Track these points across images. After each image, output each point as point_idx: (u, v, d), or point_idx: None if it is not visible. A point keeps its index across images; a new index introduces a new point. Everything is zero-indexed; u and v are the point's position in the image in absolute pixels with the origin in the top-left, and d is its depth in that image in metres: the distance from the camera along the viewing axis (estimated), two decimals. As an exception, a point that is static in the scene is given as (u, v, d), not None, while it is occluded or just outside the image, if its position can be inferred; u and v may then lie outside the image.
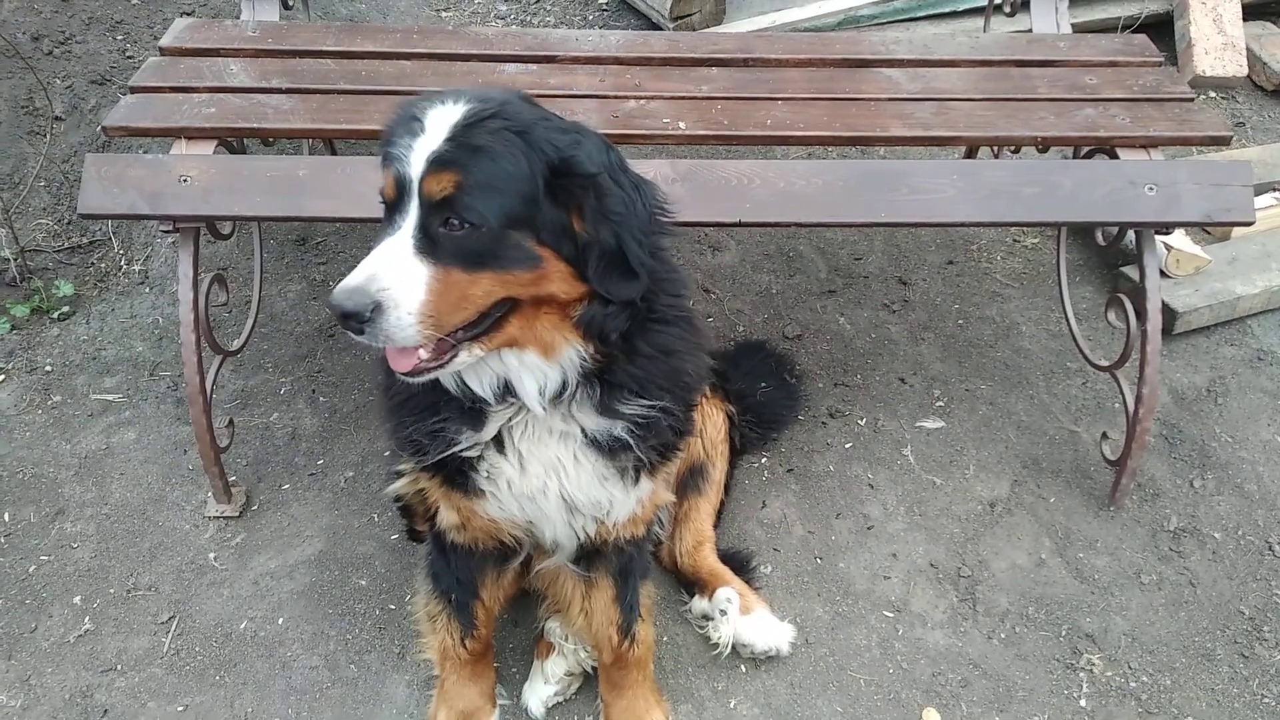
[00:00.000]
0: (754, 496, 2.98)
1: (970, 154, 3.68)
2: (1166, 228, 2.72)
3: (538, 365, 1.76)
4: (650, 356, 1.83)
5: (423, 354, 1.67)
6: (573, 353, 1.75)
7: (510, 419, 1.87)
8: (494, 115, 1.64)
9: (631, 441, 1.88)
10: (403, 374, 1.70)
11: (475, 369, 1.78)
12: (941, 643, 2.62)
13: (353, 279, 1.59)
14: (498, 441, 1.90)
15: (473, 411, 1.84)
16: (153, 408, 3.22)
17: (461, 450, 1.88)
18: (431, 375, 1.71)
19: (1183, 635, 2.65)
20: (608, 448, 1.90)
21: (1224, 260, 3.57)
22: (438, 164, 1.60)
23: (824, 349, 3.45)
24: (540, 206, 1.64)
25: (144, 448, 3.10)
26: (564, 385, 1.79)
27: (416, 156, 1.61)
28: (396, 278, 1.59)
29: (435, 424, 1.86)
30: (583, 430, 1.88)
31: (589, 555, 2.22)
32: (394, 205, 1.65)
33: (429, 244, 1.62)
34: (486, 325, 1.69)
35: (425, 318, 1.60)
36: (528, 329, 1.72)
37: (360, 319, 1.57)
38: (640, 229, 1.70)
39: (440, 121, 1.63)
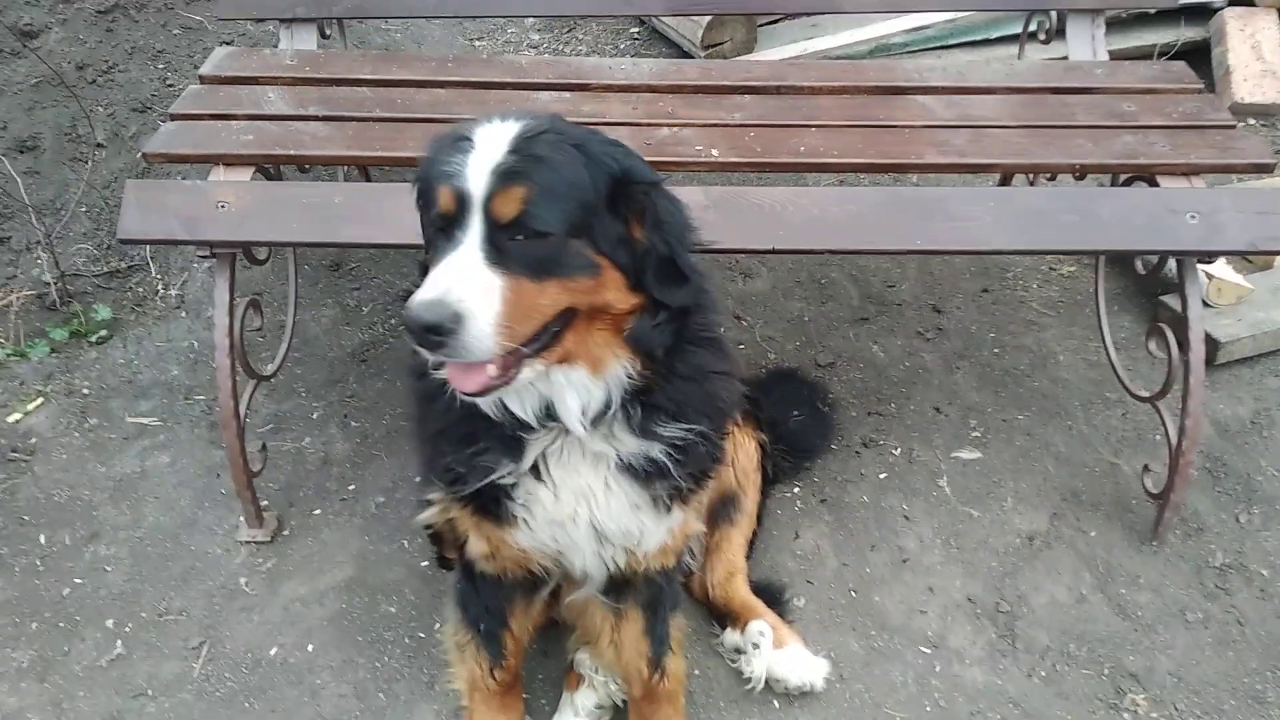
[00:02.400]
0: (786, 527, 2.94)
1: (1005, 181, 3.65)
2: (1209, 256, 2.67)
3: (585, 383, 1.75)
4: (687, 378, 1.84)
5: (491, 370, 1.65)
6: (620, 370, 1.75)
7: (547, 446, 1.86)
8: (547, 130, 1.67)
9: (669, 464, 1.87)
10: (469, 393, 1.66)
11: (518, 391, 1.76)
12: (980, 680, 2.56)
13: (429, 292, 1.56)
14: (533, 469, 1.88)
15: (511, 440, 1.83)
16: (187, 431, 3.24)
17: (499, 478, 1.86)
18: (497, 393, 1.69)
19: (1231, 676, 2.57)
20: (642, 473, 1.88)
21: (1267, 289, 3.50)
22: (505, 175, 1.60)
23: (857, 377, 3.41)
24: (599, 216, 1.67)
25: (177, 471, 3.12)
26: (606, 406, 1.78)
27: (475, 171, 1.61)
28: (472, 289, 1.57)
29: (473, 453, 1.84)
30: (618, 455, 1.86)
31: (619, 586, 2.19)
32: (453, 220, 1.63)
33: (497, 254, 1.61)
34: (546, 339, 1.69)
35: (502, 329, 1.59)
36: (581, 343, 1.72)
37: (441, 331, 1.54)
38: (686, 236, 1.76)
39: (495, 137, 1.64)
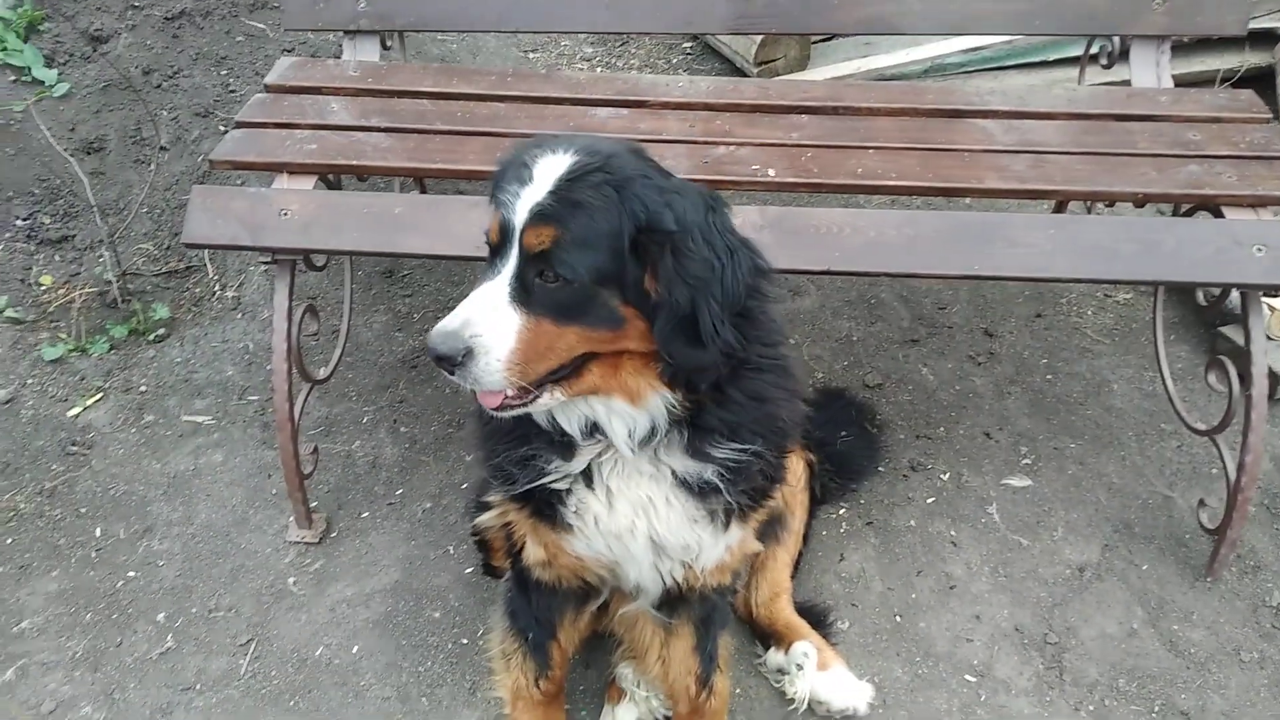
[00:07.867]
0: (832, 549, 2.93)
1: (1060, 208, 3.60)
2: (1275, 290, 2.62)
3: (626, 411, 1.77)
4: (742, 403, 1.82)
5: (509, 392, 1.71)
6: (659, 401, 1.76)
7: (600, 454, 1.87)
8: (599, 169, 1.65)
9: (721, 485, 1.86)
10: (490, 409, 1.75)
11: (564, 410, 1.80)
12: (1026, 712, 2.52)
13: (449, 323, 1.65)
14: (586, 476, 1.89)
15: (563, 444, 1.85)
16: (240, 431, 3.30)
17: (550, 481, 1.88)
18: (515, 413, 1.76)
19: (1286, 719, 2.52)
20: (698, 490, 1.88)
21: (1331, 323, 3.42)
22: (538, 217, 1.63)
23: (906, 399, 3.39)
24: (626, 263, 1.65)
25: (230, 470, 3.18)
26: (653, 430, 1.79)
27: (521, 205, 1.65)
28: (490, 325, 1.64)
29: (526, 453, 1.87)
30: (672, 472, 1.87)
31: (672, 601, 2.19)
32: (497, 249, 1.69)
33: (524, 293, 1.66)
34: (567, 372, 1.72)
35: (513, 365, 1.65)
36: (610, 377, 1.74)
37: (453, 362, 1.64)
38: (722, 296, 1.65)
39: (547, 172, 1.66)
